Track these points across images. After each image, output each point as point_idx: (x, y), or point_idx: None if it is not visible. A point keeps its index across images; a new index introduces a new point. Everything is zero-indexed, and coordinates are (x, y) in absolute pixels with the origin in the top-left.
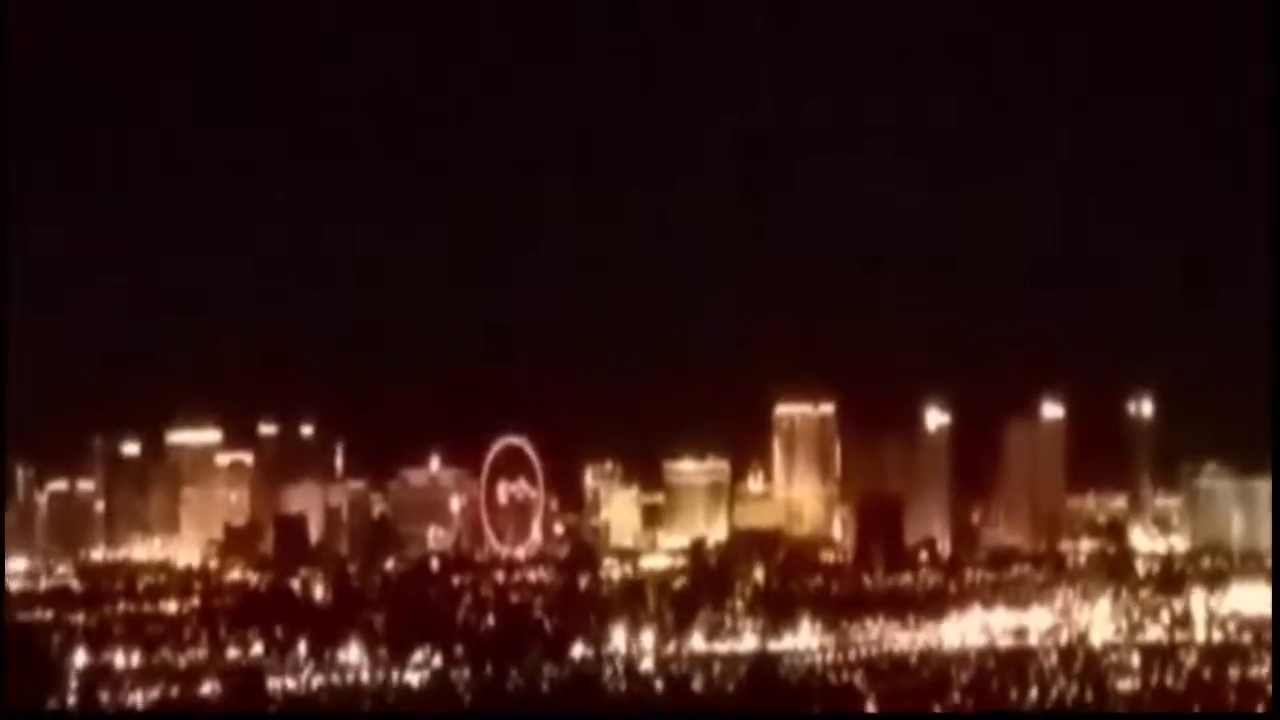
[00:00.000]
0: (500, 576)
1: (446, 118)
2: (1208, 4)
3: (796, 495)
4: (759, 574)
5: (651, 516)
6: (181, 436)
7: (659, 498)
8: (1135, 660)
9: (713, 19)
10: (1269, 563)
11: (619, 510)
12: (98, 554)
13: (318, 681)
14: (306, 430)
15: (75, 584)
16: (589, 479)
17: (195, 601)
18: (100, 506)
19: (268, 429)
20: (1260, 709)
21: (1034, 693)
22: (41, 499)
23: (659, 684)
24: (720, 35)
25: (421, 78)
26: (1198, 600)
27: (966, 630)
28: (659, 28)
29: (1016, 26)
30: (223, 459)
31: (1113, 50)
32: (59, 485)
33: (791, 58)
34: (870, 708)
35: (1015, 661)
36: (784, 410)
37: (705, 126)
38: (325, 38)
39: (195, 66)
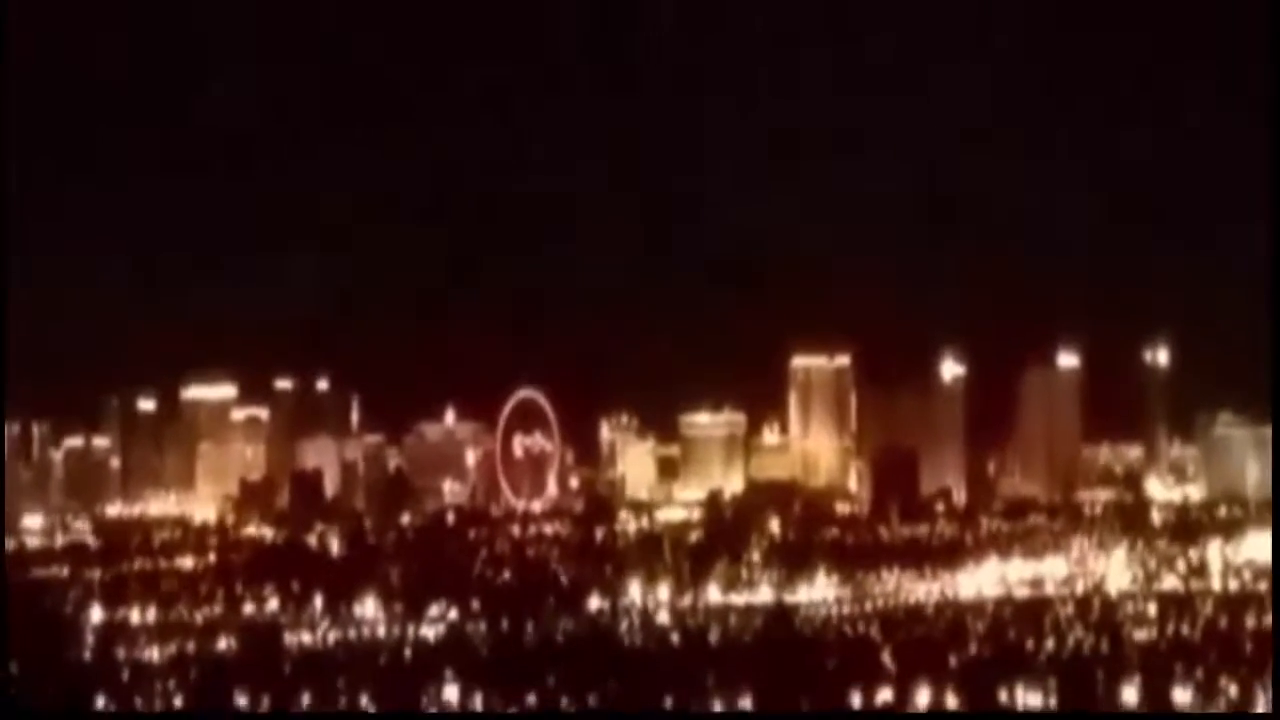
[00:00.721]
0: (516, 530)
1: (470, 74)
2: None
3: (812, 447)
4: (775, 526)
5: (667, 469)
6: (197, 392)
7: (675, 450)
8: (1151, 610)
9: None
10: None
11: (635, 463)
12: (114, 510)
13: (334, 636)
14: (322, 385)
15: (91, 540)
16: (605, 432)
17: (211, 557)
18: (116, 462)
19: (283, 384)
20: (1261, 709)
21: (1050, 643)
22: (57, 455)
23: (675, 636)
24: None
25: (444, 32)
26: (1213, 549)
27: (982, 580)
28: None
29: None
30: (238, 414)
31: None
32: (75, 441)
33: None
34: (886, 658)
35: (1031, 611)
36: (799, 362)
37: (724, 77)
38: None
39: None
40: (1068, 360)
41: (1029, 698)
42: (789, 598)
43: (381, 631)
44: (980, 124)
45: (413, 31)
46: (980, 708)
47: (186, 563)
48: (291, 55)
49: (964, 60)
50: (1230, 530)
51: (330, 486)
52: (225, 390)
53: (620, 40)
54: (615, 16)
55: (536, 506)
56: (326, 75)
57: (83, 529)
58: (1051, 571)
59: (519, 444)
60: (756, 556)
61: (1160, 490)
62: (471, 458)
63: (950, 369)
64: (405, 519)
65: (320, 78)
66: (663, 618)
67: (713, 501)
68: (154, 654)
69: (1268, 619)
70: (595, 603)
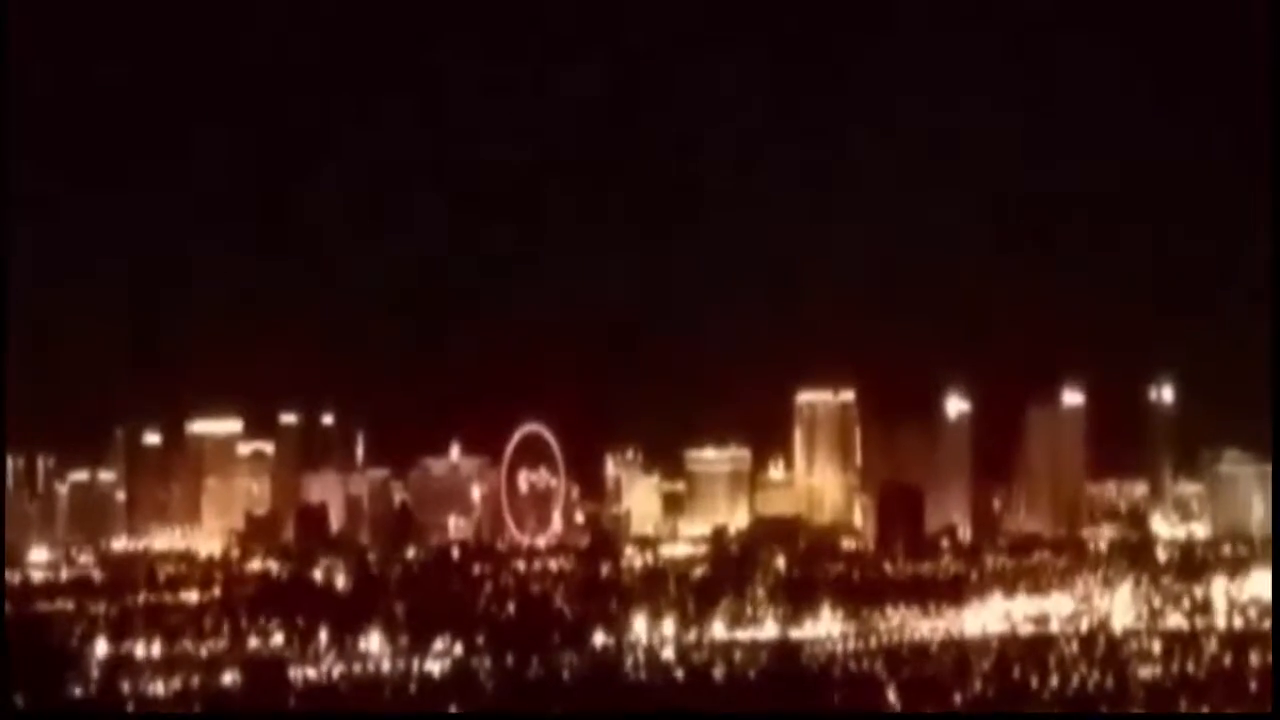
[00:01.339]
0: (521, 565)
1: (476, 105)
2: None
3: (817, 483)
4: (780, 562)
5: (672, 504)
6: (203, 426)
7: (680, 486)
8: (1156, 647)
9: None
10: None
11: (640, 498)
12: (119, 544)
13: (339, 671)
14: (327, 419)
15: (97, 574)
16: (610, 467)
17: (216, 591)
18: (121, 496)
19: (288, 418)
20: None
21: (1055, 680)
22: (63, 489)
23: (680, 672)
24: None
25: (448, 58)
26: (1218, 587)
27: (987, 617)
28: None
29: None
30: (244, 448)
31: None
32: (80, 475)
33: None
34: (891, 695)
35: (1036, 648)
36: (805, 398)
37: (723, 116)
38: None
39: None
40: (1072, 397)
41: None
42: (794, 634)
43: (386, 666)
44: (984, 158)
45: (415, 61)
46: None
47: (192, 597)
48: (293, 88)
49: (966, 93)
50: (1235, 568)
51: (335, 521)
52: (231, 425)
53: (626, 70)
54: (622, 52)
55: (541, 542)
56: (330, 108)
57: (88, 563)
58: (1056, 608)
59: (524, 479)
60: (762, 592)
61: (1165, 527)
62: (476, 493)
63: (955, 405)
64: (410, 554)
65: (324, 111)
66: (668, 653)
67: (718, 537)
68: (159, 688)
69: (1272, 657)
70: (600, 638)
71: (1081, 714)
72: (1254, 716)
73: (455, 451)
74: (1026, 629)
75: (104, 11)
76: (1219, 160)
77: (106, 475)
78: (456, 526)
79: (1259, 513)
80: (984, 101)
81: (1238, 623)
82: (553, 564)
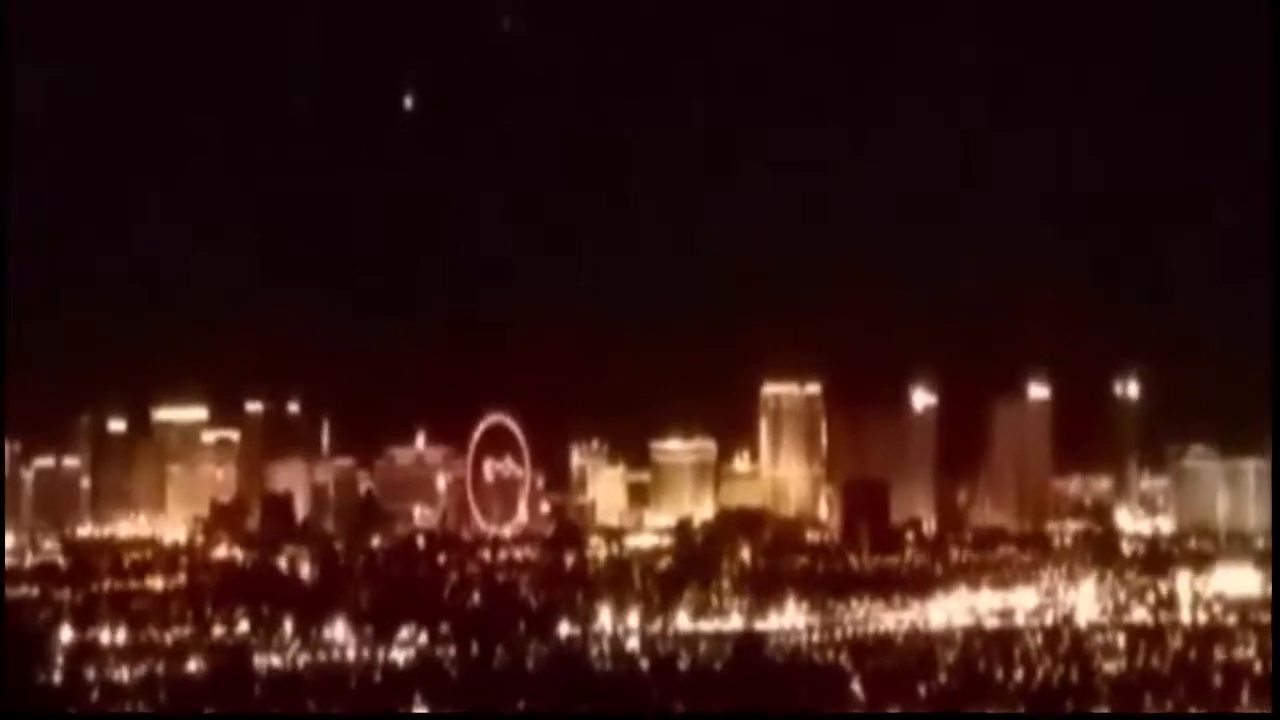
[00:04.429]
0: (486, 555)
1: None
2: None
3: (783, 475)
4: (745, 553)
5: (638, 495)
6: (168, 414)
7: (645, 476)
8: (1121, 641)
9: None
10: (1255, 544)
11: (605, 489)
12: (84, 531)
13: (304, 659)
14: (293, 407)
15: (61, 561)
16: (575, 457)
17: (181, 578)
18: (86, 483)
19: (254, 406)
20: (1261, 708)
21: (1019, 673)
22: (28, 475)
23: (645, 662)
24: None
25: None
26: (1183, 581)
27: (952, 610)
28: None
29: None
30: (209, 436)
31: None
32: (45, 462)
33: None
34: (856, 687)
35: (1001, 641)
36: (771, 390)
37: (689, 100)
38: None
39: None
40: (1038, 391)
41: None
42: (759, 625)
43: (351, 654)
44: (952, 152)
45: (402, 54)
46: None
47: (157, 584)
48: (277, 74)
49: (937, 89)
50: (1200, 563)
51: (301, 509)
52: (196, 412)
53: (595, 63)
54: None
55: (507, 531)
56: (308, 99)
57: (53, 549)
58: (1021, 602)
59: (489, 469)
60: (727, 584)
61: (1130, 522)
62: (442, 482)
63: (921, 398)
64: (375, 542)
65: (301, 102)
66: (632, 644)
67: (683, 528)
68: (124, 675)
69: (1237, 652)
70: (565, 628)
71: (1081, 715)
72: (1254, 717)
73: (421, 441)
74: (991, 622)
75: None
76: (1189, 154)
77: (71, 462)
78: (422, 515)
79: (1224, 508)
80: (949, 97)
81: (1202, 617)
82: (518, 554)
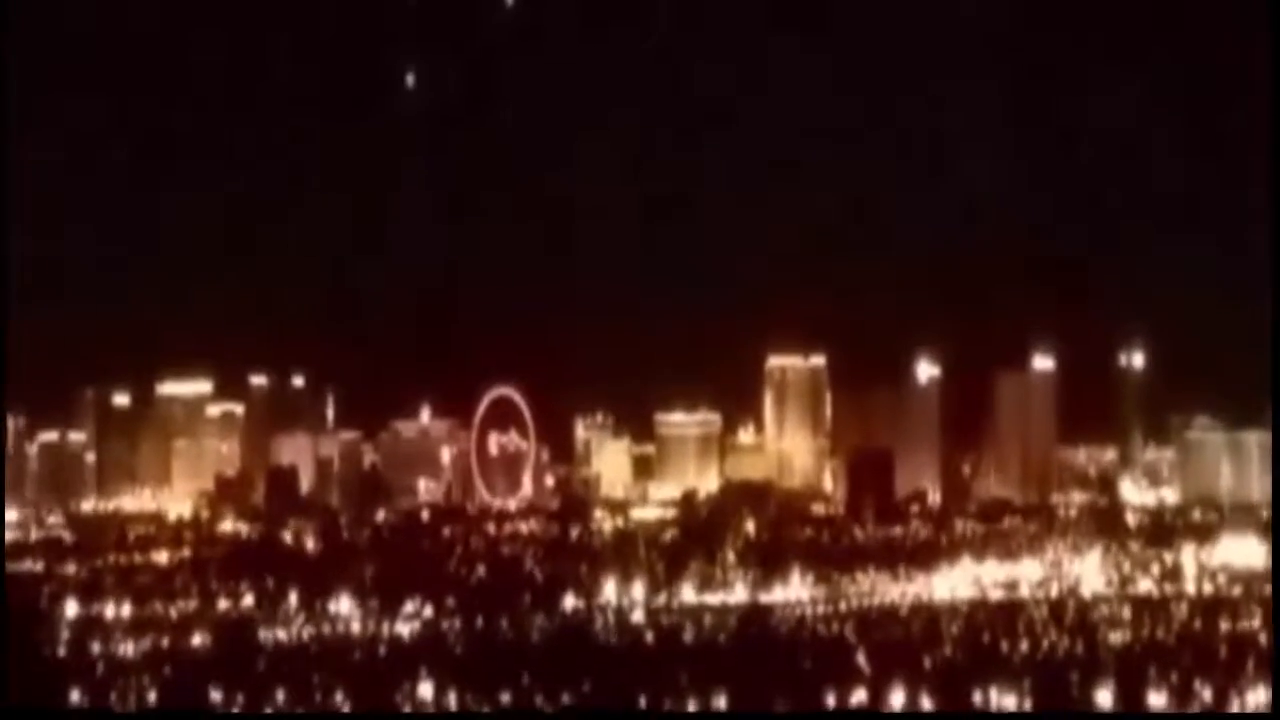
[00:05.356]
0: (491, 528)
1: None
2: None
3: (787, 447)
4: (750, 526)
5: (642, 468)
6: (172, 388)
7: (650, 449)
8: (1126, 613)
9: None
10: (1259, 515)
11: (610, 462)
12: (89, 505)
13: (309, 633)
14: (297, 381)
15: (66, 535)
16: (580, 430)
17: (186, 553)
18: (91, 458)
19: (258, 380)
20: (1257, 710)
21: (1025, 645)
22: (32, 450)
23: (650, 635)
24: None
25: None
26: (1188, 553)
27: (957, 582)
28: None
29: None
30: (213, 410)
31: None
32: (50, 436)
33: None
34: (860, 659)
35: (1006, 613)
36: (775, 362)
37: (696, 78)
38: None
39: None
40: (1043, 363)
41: (1003, 699)
42: (764, 598)
43: (356, 628)
44: (954, 125)
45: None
46: (955, 708)
47: (162, 558)
48: (274, 61)
49: (938, 66)
50: (1204, 534)
51: (305, 483)
52: (201, 386)
53: (607, 43)
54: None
55: (511, 504)
56: (317, 76)
57: (58, 524)
58: (1026, 574)
59: (494, 442)
60: (731, 556)
61: (1135, 494)
62: (447, 455)
63: (925, 370)
64: (380, 516)
65: (309, 78)
66: (637, 616)
67: (688, 501)
68: (129, 649)
69: (1241, 623)
70: (570, 601)
71: (1081, 715)
72: (1254, 716)
73: (426, 414)
74: (996, 594)
75: None
76: (1190, 132)
77: (76, 436)
78: (426, 489)
79: (1228, 479)
80: (955, 76)
81: (1207, 589)
82: (523, 527)
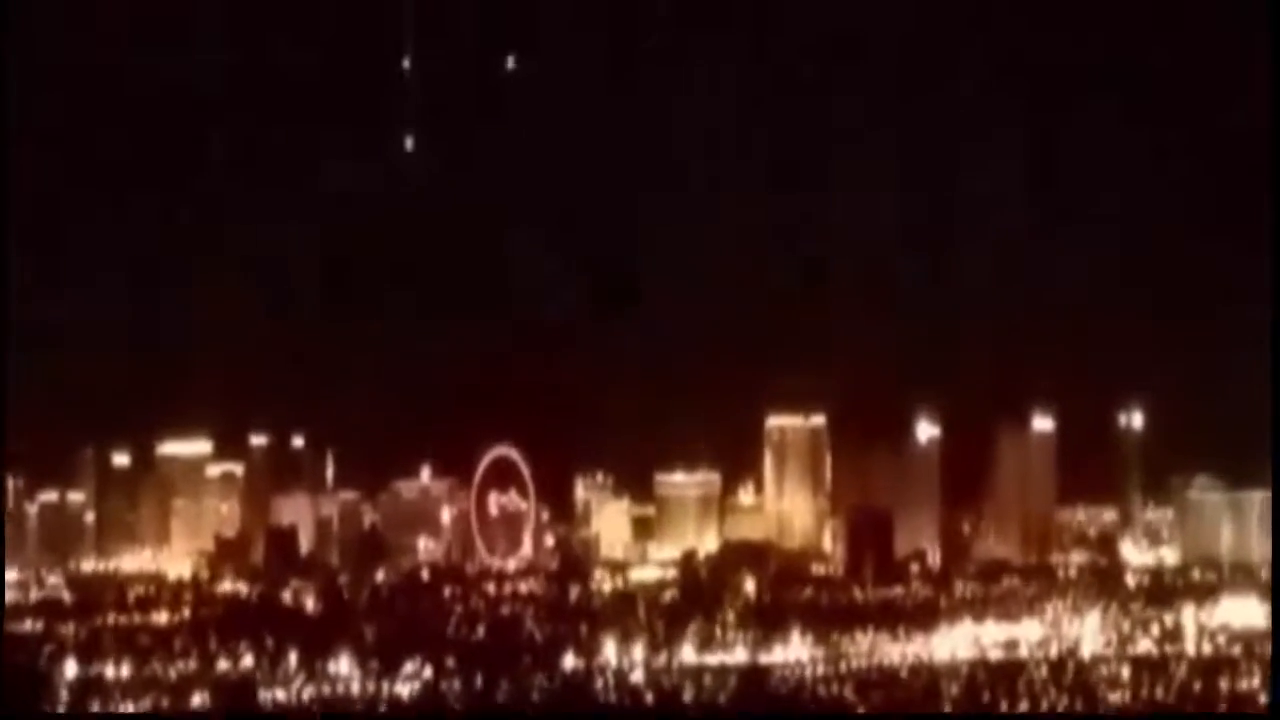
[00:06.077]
0: (491, 588)
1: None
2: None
3: (787, 507)
4: (750, 586)
5: (642, 528)
6: (172, 448)
7: (649, 509)
8: (1125, 673)
9: None
10: (1259, 576)
11: (609, 522)
12: (88, 565)
13: (309, 693)
14: (297, 441)
15: (66, 595)
16: (579, 490)
17: (186, 613)
18: (90, 517)
19: (258, 440)
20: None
21: (1024, 705)
22: (32, 509)
23: (649, 695)
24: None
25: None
26: (1188, 613)
27: (957, 642)
28: None
29: (991, 36)
30: (213, 470)
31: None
32: (49, 496)
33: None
34: None
35: (1006, 674)
36: (775, 422)
37: (691, 135)
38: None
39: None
40: (1042, 423)
41: None
42: (763, 658)
43: (356, 688)
44: (955, 185)
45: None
46: None
47: (161, 618)
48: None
49: (936, 112)
50: (1204, 594)
51: (305, 543)
52: (201, 446)
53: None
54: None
55: (511, 564)
56: (318, 139)
57: (57, 584)
58: (1026, 634)
59: (494, 502)
60: (731, 616)
61: (1134, 554)
62: (447, 515)
63: (925, 430)
64: (380, 576)
65: (310, 139)
66: (637, 677)
67: (687, 561)
68: (129, 709)
69: (1241, 683)
70: (570, 661)
71: (1079, 714)
72: (1253, 717)
73: (426, 474)
74: (996, 654)
75: None
76: (1195, 188)
77: (76, 496)
78: (426, 549)
79: (1228, 539)
80: (953, 118)
81: (1206, 649)
82: (523, 586)
